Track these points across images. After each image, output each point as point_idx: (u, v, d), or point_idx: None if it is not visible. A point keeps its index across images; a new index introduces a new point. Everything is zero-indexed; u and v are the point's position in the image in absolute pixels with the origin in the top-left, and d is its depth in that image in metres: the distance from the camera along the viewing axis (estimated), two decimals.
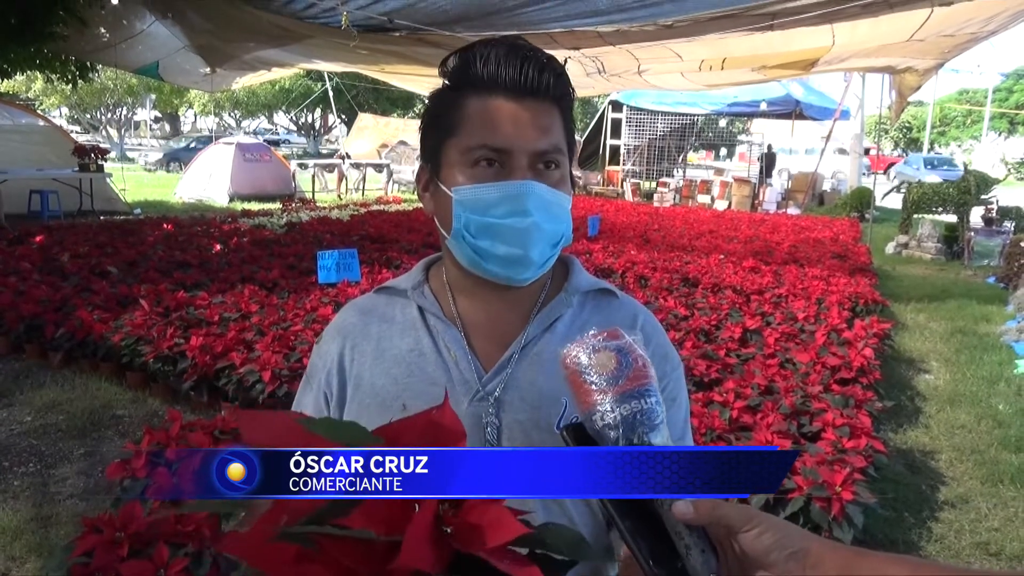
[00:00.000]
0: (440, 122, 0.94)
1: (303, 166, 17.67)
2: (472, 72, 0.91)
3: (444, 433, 0.54)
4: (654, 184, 19.70)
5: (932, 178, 16.30)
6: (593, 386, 0.68)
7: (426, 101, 1.00)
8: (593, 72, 9.75)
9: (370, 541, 0.47)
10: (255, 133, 36.06)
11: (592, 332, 0.72)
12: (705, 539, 0.65)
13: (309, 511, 0.49)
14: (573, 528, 0.61)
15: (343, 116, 30.08)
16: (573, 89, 0.96)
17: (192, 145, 25.61)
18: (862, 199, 15.82)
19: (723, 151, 32.37)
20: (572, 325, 1.00)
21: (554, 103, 0.92)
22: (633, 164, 20.71)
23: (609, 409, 0.67)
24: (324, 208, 13.40)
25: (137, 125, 40.95)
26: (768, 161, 19.26)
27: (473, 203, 0.90)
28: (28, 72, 11.11)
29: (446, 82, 0.95)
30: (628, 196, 18.90)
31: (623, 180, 19.79)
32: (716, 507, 0.64)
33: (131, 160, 26.95)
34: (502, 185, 0.89)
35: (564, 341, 0.97)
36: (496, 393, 0.95)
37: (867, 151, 21.66)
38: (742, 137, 26.34)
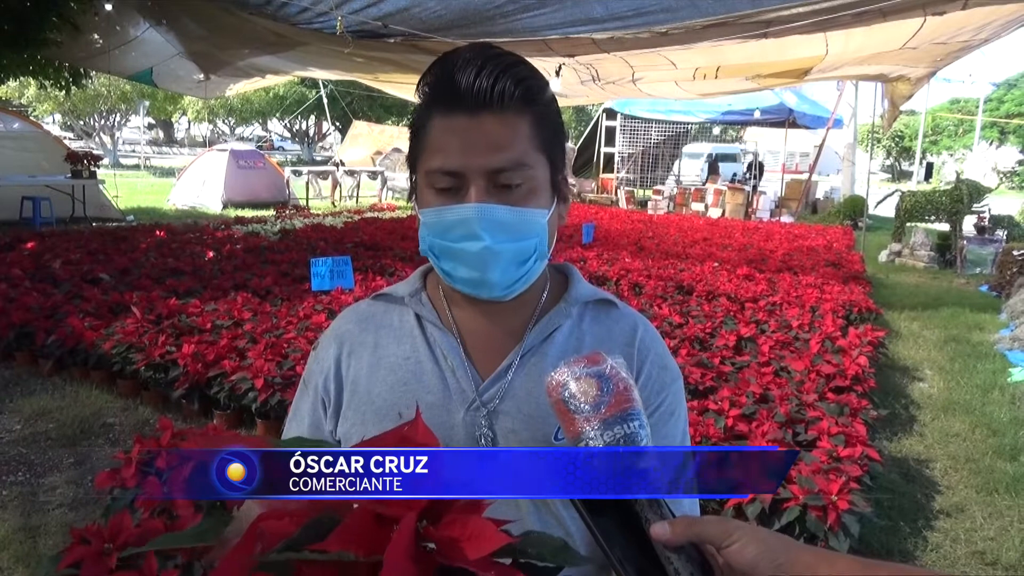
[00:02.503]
0: (413, 141, 0.93)
1: (297, 173, 17.63)
2: (432, 89, 0.89)
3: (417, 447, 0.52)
4: (648, 192, 19.75)
5: None
6: (576, 414, 0.69)
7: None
8: (587, 80, 9.76)
9: (350, 563, 0.45)
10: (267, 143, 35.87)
11: (574, 358, 0.72)
12: (696, 561, 0.64)
13: (283, 538, 0.47)
14: (556, 536, 0.60)
15: (337, 123, 30.06)
16: (546, 90, 0.92)
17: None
18: (855, 207, 15.89)
19: None
20: (570, 336, 0.99)
21: (519, 112, 0.88)
22: (627, 172, 20.76)
23: (593, 437, 0.67)
24: (318, 215, 13.39)
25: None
26: (758, 170, 19.41)
27: (434, 226, 0.90)
28: (21, 78, 11.05)
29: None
30: (622, 204, 18.94)
31: (617, 188, 19.84)
32: (692, 525, 0.64)
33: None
34: (453, 209, 0.88)
35: (562, 352, 0.96)
36: (492, 404, 0.94)
37: None
38: (736, 145, 26.47)
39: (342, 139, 24.84)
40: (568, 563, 0.55)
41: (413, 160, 0.94)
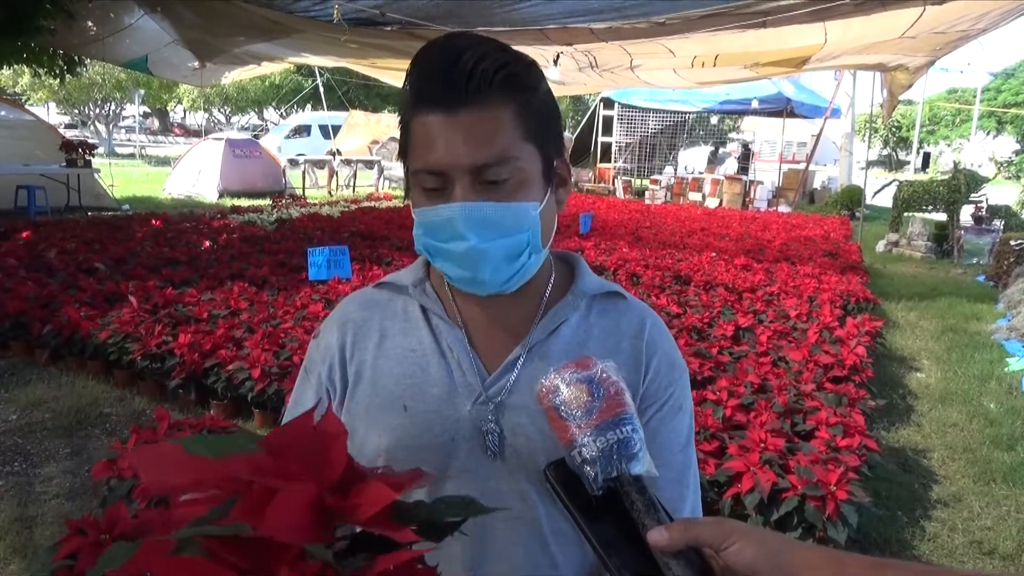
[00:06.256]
0: (401, 144, 0.91)
1: (293, 162, 17.57)
2: (411, 87, 0.86)
3: (326, 437, 0.53)
4: (645, 181, 19.74)
5: None
6: (569, 421, 0.68)
7: None
8: (585, 67, 9.72)
9: (257, 539, 0.44)
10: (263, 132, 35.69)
11: (564, 364, 0.71)
12: (695, 565, 0.63)
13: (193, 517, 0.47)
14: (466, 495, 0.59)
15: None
16: (530, 75, 0.87)
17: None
18: (852, 197, 15.89)
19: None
20: (578, 329, 0.97)
21: (501, 103, 0.84)
22: (624, 161, 20.72)
23: (586, 443, 0.66)
24: (314, 205, 13.34)
25: (126, 120, 40.53)
26: (744, 159, 19.64)
27: (425, 226, 0.89)
28: (15, 66, 10.95)
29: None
30: (619, 193, 18.91)
31: (614, 177, 19.81)
32: (688, 528, 0.63)
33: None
34: (438, 210, 0.86)
35: (569, 346, 0.95)
36: (499, 397, 0.93)
37: None
38: (732, 135, 26.44)
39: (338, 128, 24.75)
40: (472, 514, 0.55)
41: (403, 162, 0.92)
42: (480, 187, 0.84)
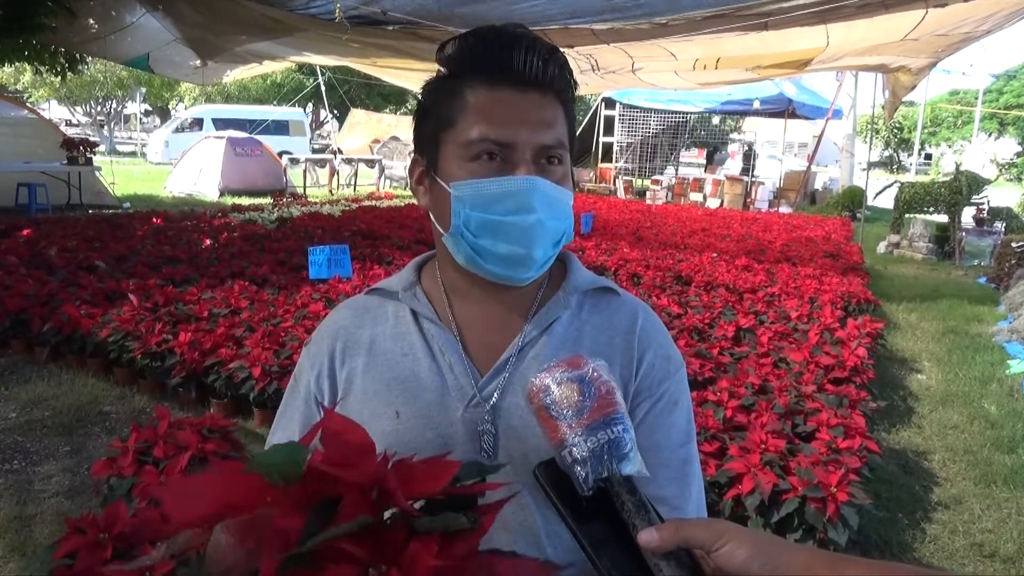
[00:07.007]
0: (437, 112, 0.90)
1: (294, 161, 17.56)
2: (473, 60, 0.87)
3: (345, 434, 0.56)
4: (646, 182, 19.73)
5: None
6: (559, 420, 0.67)
7: (421, 90, 0.96)
8: (587, 69, 9.70)
9: (362, 531, 0.49)
10: None
11: (554, 363, 0.70)
12: (687, 566, 0.62)
13: (296, 532, 0.48)
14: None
15: (335, 112, 29.95)
16: (575, 83, 0.93)
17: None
18: (854, 198, 15.88)
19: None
20: (570, 326, 0.97)
21: (557, 96, 0.89)
22: (626, 161, 20.71)
23: (576, 443, 0.66)
24: (315, 204, 13.34)
25: (127, 118, 40.50)
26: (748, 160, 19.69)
27: (473, 199, 0.87)
28: (16, 64, 10.97)
29: (442, 70, 0.91)
30: (620, 193, 18.91)
31: (615, 177, 19.80)
32: (679, 529, 0.62)
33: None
34: (506, 180, 0.85)
35: (562, 343, 0.94)
36: (492, 399, 0.92)
37: None
38: (734, 136, 26.44)
39: (339, 127, 24.74)
40: (480, 475, 0.58)
41: (434, 132, 0.91)
42: (537, 168, 0.87)
